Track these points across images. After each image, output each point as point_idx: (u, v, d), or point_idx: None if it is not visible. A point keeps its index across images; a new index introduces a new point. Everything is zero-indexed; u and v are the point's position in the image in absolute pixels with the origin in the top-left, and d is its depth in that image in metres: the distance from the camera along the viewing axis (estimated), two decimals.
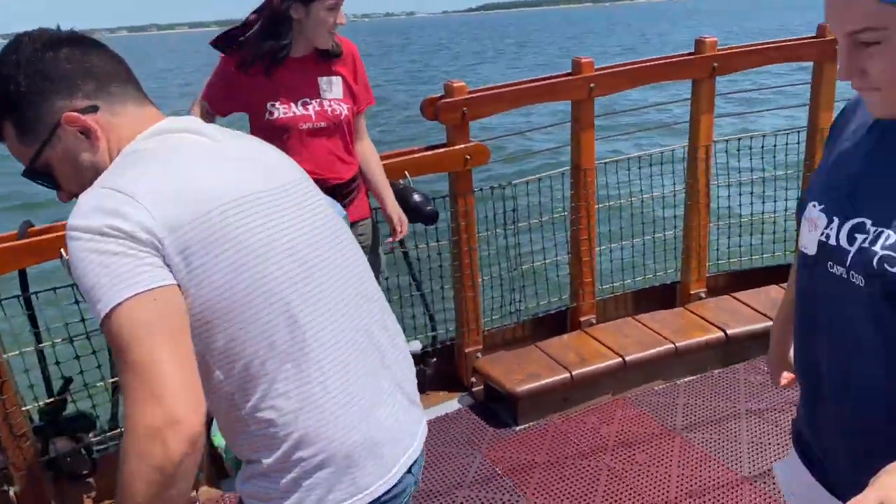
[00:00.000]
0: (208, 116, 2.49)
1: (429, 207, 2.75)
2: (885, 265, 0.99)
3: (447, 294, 3.20)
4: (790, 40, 3.43)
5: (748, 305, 3.40)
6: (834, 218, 1.08)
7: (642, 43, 41.13)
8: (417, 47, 59.56)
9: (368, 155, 2.63)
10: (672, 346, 3.14)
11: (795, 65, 3.80)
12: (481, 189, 3.14)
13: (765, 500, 2.46)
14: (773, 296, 3.42)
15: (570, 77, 3.11)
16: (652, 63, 3.25)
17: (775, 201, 3.70)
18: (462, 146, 2.94)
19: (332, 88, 2.45)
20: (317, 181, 2.41)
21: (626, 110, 5.85)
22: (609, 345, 3.18)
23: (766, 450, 2.70)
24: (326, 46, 2.40)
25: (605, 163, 3.44)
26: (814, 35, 3.39)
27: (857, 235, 1.04)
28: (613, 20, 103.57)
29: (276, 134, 2.37)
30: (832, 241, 1.07)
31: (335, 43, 2.44)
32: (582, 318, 3.35)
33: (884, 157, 1.06)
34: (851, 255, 1.04)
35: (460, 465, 2.73)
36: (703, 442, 2.77)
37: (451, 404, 3.13)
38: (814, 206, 1.11)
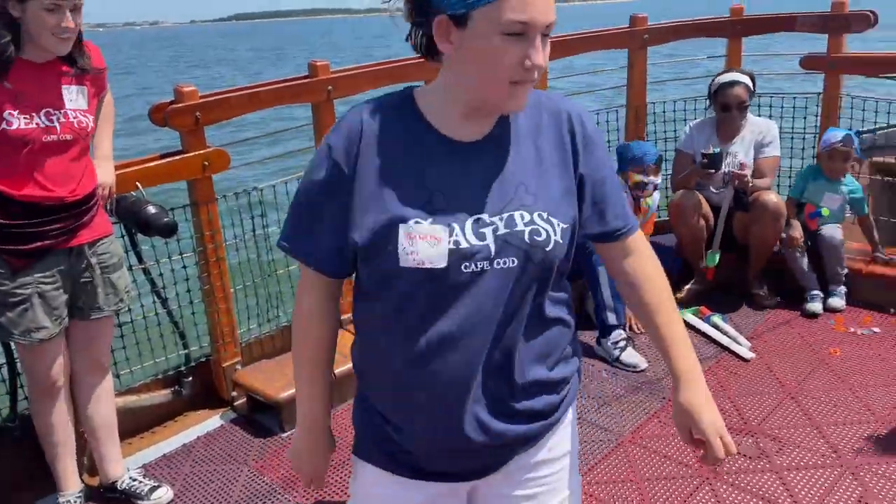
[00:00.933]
0: None
1: (165, 219, 2.60)
2: (535, 237, 1.12)
3: (198, 308, 3.06)
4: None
5: None
6: (452, 225, 1.11)
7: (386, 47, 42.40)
8: (158, 58, 56.04)
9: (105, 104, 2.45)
10: None
11: None
12: (224, 196, 3.03)
13: None
14: None
15: (308, 80, 3.12)
16: (392, 64, 3.38)
17: None
18: (199, 152, 2.83)
19: (78, 98, 2.24)
20: (52, 199, 2.19)
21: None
22: None
23: None
24: (56, 51, 2.16)
25: None
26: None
27: (483, 231, 1.12)
28: (362, 30, 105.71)
29: (11, 146, 2.10)
30: (464, 245, 1.11)
31: (81, 51, 2.23)
32: (343, 317, 3.37)
33: (459, 161, 1.15)
34: (494, 246, 1.11)
35: (225, 482, 2.62)
36: None
37: (213, 422, 2.99)
38: (417, 223, 1.11)
